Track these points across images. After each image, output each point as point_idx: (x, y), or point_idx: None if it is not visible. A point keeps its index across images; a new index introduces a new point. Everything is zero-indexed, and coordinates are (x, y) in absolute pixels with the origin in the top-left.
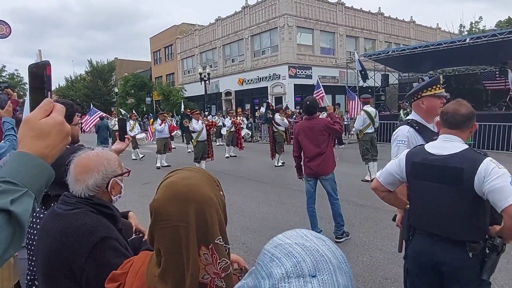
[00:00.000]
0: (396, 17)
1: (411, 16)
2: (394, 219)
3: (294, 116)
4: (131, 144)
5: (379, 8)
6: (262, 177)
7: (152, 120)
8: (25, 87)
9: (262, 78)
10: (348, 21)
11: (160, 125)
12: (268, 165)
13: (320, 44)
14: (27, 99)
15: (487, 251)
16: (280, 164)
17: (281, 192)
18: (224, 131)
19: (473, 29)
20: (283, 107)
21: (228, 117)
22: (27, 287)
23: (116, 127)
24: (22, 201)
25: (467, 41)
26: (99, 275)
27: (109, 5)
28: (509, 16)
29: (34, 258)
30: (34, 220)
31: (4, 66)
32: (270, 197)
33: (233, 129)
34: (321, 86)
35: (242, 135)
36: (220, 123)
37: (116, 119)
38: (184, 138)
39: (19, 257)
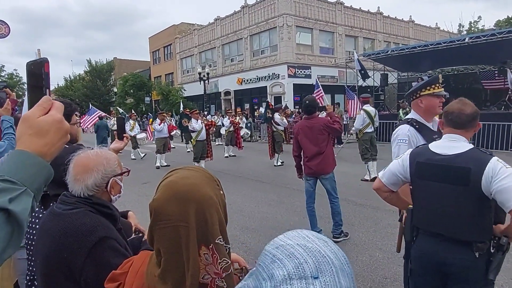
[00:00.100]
0: (395, 17)
1: (410, 16)
2: (401, 220)
3: (294, 116)
4: (130, 144)
5: (378, 7)
6: (261, 176)
7: (151, 120)
8: (24, 87)
9: (261, 77)
10: (347, 20)
11: (159, 124)
12: (268, 165)
13: (319, 43)
14: (26, 98)
15: (492, 251)
16: (279, 163)
17: (281, 192)
18: (223, 131)
19: (472, 28)
20: (282, 107)
21: (227, 116)
22: (26, 287)
23: (115, 127)
24: (21, 199)
25: (466, 40)
26: (98, 275)
27: (107, 5)
28: (508, 16)
29: (33, 258)
30: (33, 219)
31: (3, 66)
32: (269, 196)
33: (231, 128)
34: (320, 86)
35: (242, 134)
36: (220, 123)
37: (115, 118)
38: (183, 137)
39: (17, 257)
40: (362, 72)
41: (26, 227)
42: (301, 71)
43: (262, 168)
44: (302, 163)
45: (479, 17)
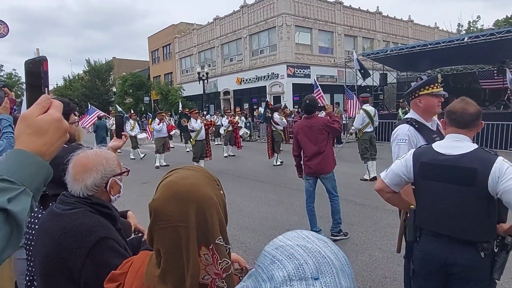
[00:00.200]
0: (394, 17)
1: (409, 16)
2: (405, 219)
3: (293, 115)
4: (130, 144)
5: (377, 7)
6: (260, 176)
7: (151, 119)
8: (23, 87)
9: (261, 77)
10: (347, 20)
11: (158, 124)
12: (267, 164)
13: (319, 43)
14: (24, 98)
15: (496, 250)
16: (278, 163)
17: (280, 191)
18: (222, 131)
19: (471, 28)
20: (282, 106)
21: (225, 116)
22: (26, 287)
23: (115, 126)
24: (20, 199)
25: (465, 40)
26: (97, 275)
27: (107, 5)
28: (507, 15)
29: (32, 258)
30: (32, 219)
31: (2, 66)
32: (269, 196)
33: (230, 128)
34: (319, 86)
35: (241, 134)
36: (219, 123)
37: (114, 118)
38: (182, 137)
39: (16, 256)
40: (362, 71)
41: (25, 227)
42: (300, 71)
43: (261, 168)
44: (302, 162)
45: (478, 17)
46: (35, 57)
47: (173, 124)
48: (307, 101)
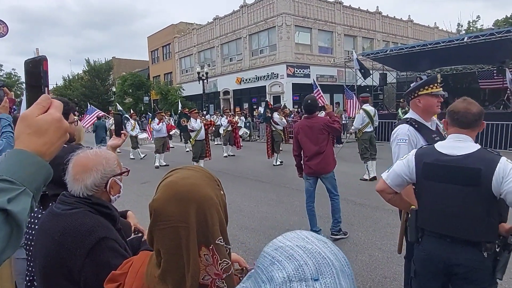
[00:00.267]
0: (394, 16)
1: (409, 15)
2: (406, 220)
3: (292, 115)
4: (130, 144)
5: (377, 7)
6: (260, 176)
7: (150, 119)
8: (23, 87)
9: (260, 77)
10: (346, 20)
11: (157, 124)
12: (267, 164)
13: (318, 43)
14: (24, 98)
15: (497, 250)
16: (278, 163)
17: (280, 191)
18: (221, 131)
19: (471, 28)
20: (281, 106)
21: (224, 116)
22: (26, 287)
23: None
24: (20, 200)
25: (465, 40)
26: (97, 275)
27: (106, 4)
28: (506, 15)
29: (32, 259)
30: (32, 220)
31: (1, 66)
32: (268, 196)
33: (229, 128)
34: (318, 86)
35: (241, 134)
36: (219, 122)
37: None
38: (182, 137)
39: (15, 256)
40: (362, 71)
41: (25, 227)
42: (300, 71)
43: (261, 168)
44: (302, 162)
45: (478, 17)
46: (35, 56)
47: (173, 124)
48: (309, 101)
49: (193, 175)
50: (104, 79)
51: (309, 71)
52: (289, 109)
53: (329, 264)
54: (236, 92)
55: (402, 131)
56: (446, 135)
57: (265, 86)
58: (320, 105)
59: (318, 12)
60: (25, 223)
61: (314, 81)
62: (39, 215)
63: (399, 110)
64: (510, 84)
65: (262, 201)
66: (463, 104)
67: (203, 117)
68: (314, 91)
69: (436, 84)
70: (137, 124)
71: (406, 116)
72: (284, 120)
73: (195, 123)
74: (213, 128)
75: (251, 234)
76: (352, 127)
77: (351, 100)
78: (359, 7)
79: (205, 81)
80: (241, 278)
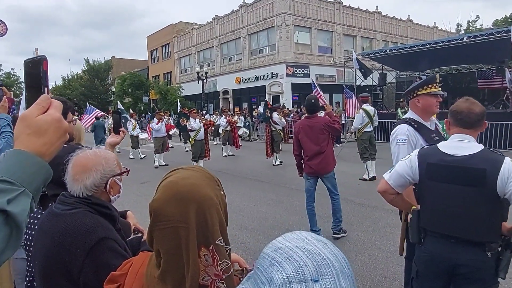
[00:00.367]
0: (394, 16)
1: (409, 15)
2: (406, 220)
3: (292, 115)
4: (130, 144)
5: (377, 7)
6: (260, 176)
7: (150, 119)
8: (22, 86)
9: (260, 77)
10: (346, 20)
11: (156, 124)
12: (266, 164)
13: (318, 43)
14: (23, 98)
15: (500, 249)
16: (278, 163)
17: (280, 191)
18: (221, 130)
19: (470, 28)
20: (281, 106)
21: (223, 116)
22: None
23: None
24: (19, 200)
25: (464, 40)
26: (97, 276)
27: (105, 4)
28: (506, 15)
29: (32, 259)
30: (31, 220)
31: (0, 65)
32: (268, 196)
33: (228, 128)
34: (317, 86)
35: (240, 133)
36: (218, 122)
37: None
38: (181, 137)
39: (14, 256)
40: (362, 70)
41: (24, 228)
42: (299, 70)
43: (260, 168)
44: (302, 161)
45: (477, 17)
46: (35, 56)
47: (172, 124)
48: (312, 101)
49: (193, 175)
50: (103, 78)
51: (309, 71)
52: (288, 109)
53: (329, 265)
54: (235, 92)
55: (401, 131)
56: (446, 134)
57: (264, 86)
58: (320, 105)
59: (318, 11)
60: (25, 224)
61: (313, 81)
62: (39, 215)
63: (399, 110)
64: (509, 84)
65: (262, 201)
66: (466, 104)
67: (202, 117)
68: (314, 91)
69: (435, 84)
70: (137, 124)
71: (406, 116)
72: (283, 120)
73: (194, 123)
74: (213, 128)
75: (250, 234)
76: (352, 127)
77: (351, 100)
78: (358, 7)
79: (205, 80)
80: (241, 279)
